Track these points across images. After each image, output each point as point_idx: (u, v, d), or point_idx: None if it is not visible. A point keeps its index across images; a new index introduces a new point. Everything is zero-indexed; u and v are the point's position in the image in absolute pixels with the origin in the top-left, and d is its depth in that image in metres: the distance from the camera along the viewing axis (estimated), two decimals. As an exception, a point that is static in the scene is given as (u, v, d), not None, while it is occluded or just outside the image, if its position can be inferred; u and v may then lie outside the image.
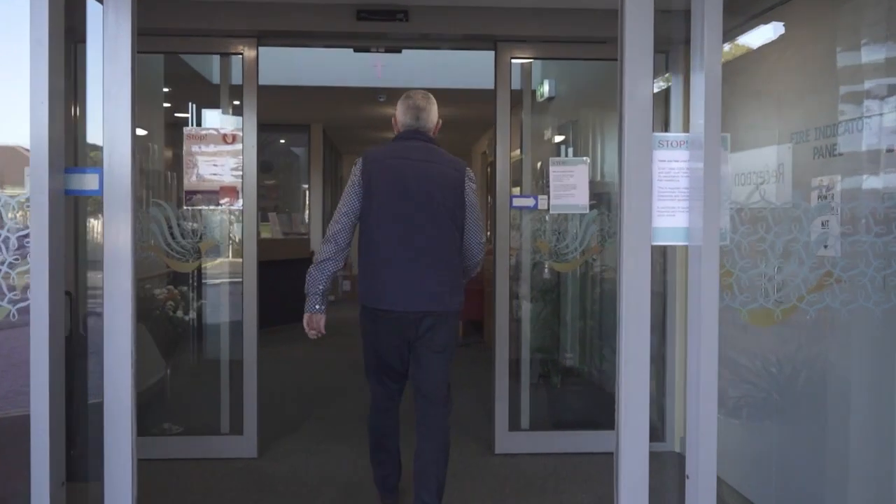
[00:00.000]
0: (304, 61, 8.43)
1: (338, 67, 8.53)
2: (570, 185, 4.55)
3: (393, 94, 9.22)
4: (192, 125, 5.05)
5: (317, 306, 3.30)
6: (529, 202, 4.61)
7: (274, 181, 13.55)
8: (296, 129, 12.11)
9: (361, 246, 3.31)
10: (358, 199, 3.28)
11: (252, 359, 4.46)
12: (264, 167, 14.55)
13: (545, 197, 4.57)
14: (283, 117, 11.50)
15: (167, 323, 4.92)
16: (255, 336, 4.49)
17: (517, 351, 4.70)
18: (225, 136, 4.46)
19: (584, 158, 4.64)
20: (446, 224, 3.23)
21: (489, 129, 12.89)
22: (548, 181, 4.58)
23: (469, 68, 8.51)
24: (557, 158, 4.65)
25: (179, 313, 4.91)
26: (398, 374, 3.40)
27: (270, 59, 8.81)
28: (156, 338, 4.92)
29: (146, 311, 4.85)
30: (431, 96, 3.48)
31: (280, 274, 9.57)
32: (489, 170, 12.45)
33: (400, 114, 3.44)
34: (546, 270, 4.89)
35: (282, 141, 14.34)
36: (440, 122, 3.52)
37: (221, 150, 4.44)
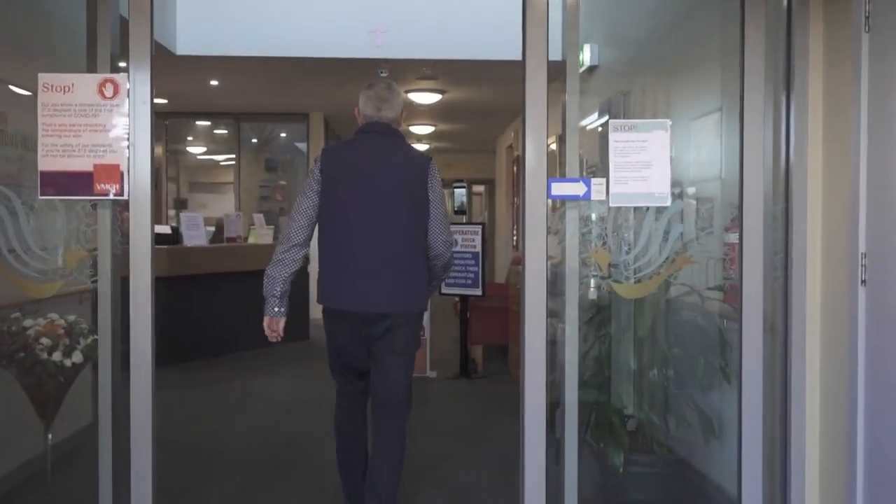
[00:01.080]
0: (286, 29, 6.88)
1: (330, 36, 6.95)
2: (641, 164, 2.91)
3: (398, 69, 7.58)
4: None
5: (275, 309, 3.24)
6: (577, 189, 2.96)
7: (284, 181, 12.08)
8: (293, 118, 10.56)
9: (319, 244, 3.19)
10: (316, 196, 3.15)
11: (143, 419, 2.87)
12: (269, 166, 13.09)
13: (601, 183, 2.93)
14: (276, 104, 9.96)
15: (43, 370, 3.33)
16: (147, 384, 2.89)
17: (556, 394, 3.06)
18: (101, 84, 2.86)
19: (665, 122, 2.97)
20: (407, 221, 3.12)
21: (515, 118, 11.37)
22: (604, 163, 2.97)
23: (490, 36, 6.90)
24: (622, 121, 2.98)
25: (58, 355, 3.31)
26: (359, 373, 3.29)
27: (248, 28, 7.36)
28: (30, 392, 3.36)
29: (10, 355, 3.28)
30: (395, 86, 3.32)
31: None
32: (517, 167, 10.82)
33: (361, 105, 3.27)
34: (598, 289, 3.25)
35: (283, 134, 12.82)
36: (404, 112, 3.34)
37: (94, 106, 2.84)
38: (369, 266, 3.06)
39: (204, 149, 13.32)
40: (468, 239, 6.81)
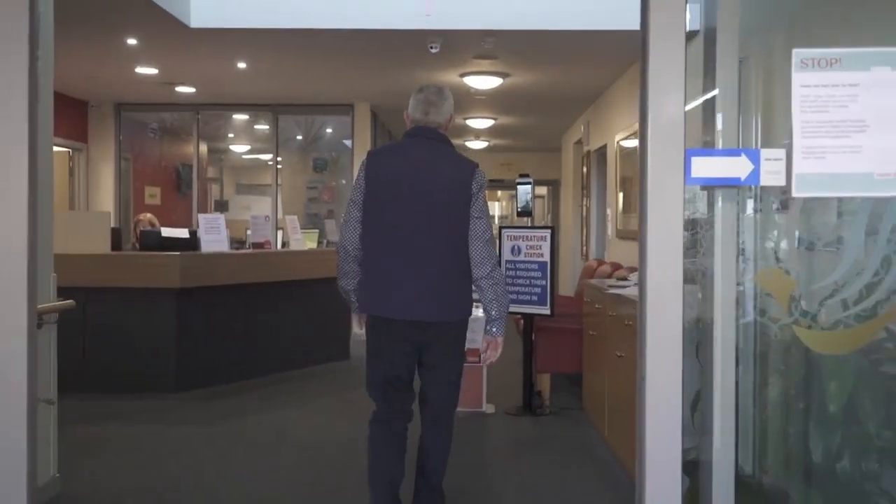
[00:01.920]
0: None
1: (368, 4, 5.83)
2: (849, 125, 1.69)
3: (452, 44, 6.42)
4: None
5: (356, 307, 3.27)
6: (737, 167, 1.74)
7: (333, 182, 11.08)
8: (337, 110, 9.50)
9: (362, 249, 3.16)
10: (362, 203, 3.14)
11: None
12: (316, 165, 12.09)
13: (776, 157, 1.71)
14: (317, 93, 8.89)
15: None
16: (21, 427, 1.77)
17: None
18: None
19: (893, 51, 1.74)
20: (447, 229, 3.08)
21: (586, 107, 10.17)
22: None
23: (559, 5, 5.72)
24: (816, 52, 1.73)
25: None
26: (404, 383, 3.20)
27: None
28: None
29: None
30: (446, 90, 3.28)
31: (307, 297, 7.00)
32: (586, 165, 9.55)
33: (410, 108, 3.24)
34: (765, 334, 2.03)
35: (329, 130, 11.81)
36: (453, 118, 3.30)
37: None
38: (406, 273, 3.03)
39: (248, 147, 12.45)
40: (534, 246, 5.61)
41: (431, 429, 3.23)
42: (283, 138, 12.95)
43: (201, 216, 6.47)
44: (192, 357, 6.25)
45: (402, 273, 3.03)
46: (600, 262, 7.57)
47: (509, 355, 7.25)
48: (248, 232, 7.08)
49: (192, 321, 6.26)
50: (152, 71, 7.62)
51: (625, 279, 5.50)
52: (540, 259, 5.60)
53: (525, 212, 5.75)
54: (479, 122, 10.62)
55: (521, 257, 5.68)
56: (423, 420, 3.25)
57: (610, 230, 8.04)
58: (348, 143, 9.87)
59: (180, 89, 8.40)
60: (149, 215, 7.47)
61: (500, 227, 5.79)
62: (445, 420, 3.25)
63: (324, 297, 7.51)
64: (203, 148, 11.90)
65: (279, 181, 9.67)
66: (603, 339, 4.92)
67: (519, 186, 5.72)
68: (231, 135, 11.98)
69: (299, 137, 12.63)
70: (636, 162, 1.99)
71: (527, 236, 5.68)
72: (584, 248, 9.54)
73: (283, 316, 7.18)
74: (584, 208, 9.64)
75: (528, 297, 5.66)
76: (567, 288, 10.91)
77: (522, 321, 5.82)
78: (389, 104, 9.47)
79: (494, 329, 3.17)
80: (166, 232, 6.44)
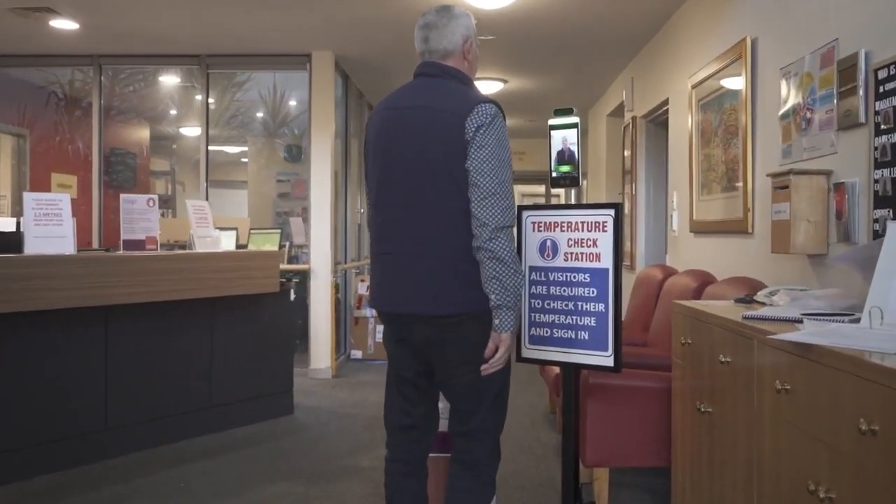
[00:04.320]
0: None
1: None
2: None
3: None
4: None
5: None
6: None
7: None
8: (288, 61, 6.96)
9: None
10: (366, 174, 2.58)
11: None
12: (291, 154, 9.63)
13: None
14: (258, 37, 6.37)
15: None
16: None
17: None
18: None
19: None
20: (447, 190, 2.32)
21: (627, 60, 7.42)
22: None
23: None
24: None
25: None
26: (412, 386, 2.57)
27: None
28: None
29: None
30: (456, 8, 2.45)
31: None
32: (631, 138, 6.98)
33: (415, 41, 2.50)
34: None
35: (292, 104, 9.31)
36: (471, 43, 2.46)
37: None
38: (399, 254, 2.41)
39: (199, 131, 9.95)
40: (582, 240, 3.08)
41: (453, 472, 2.55)
42: (245, 119, 10.53)
43: (28, 195, 3.94)
44: (5, 428, 3.76)
45: (392, 256, 2.43)
46: (667, 270, 5.00)
47: (534, 433, 4.97)
48: (121, 228, 4.52)
49: (5, 367, 3.77)
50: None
51: (750, 300, 2.98)
52: (594, 265, 3.05)
53: (564, 178, 3.14)
54: (484, 86, 8.05)
55: (558, 261, 3.14)
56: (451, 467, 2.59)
57: (676, 223, 5.47)
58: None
59: (59, 24, 5.88)
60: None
61: (520, 210, 3.24)
62: (472, 463, 2.52)
63: (249, 321, 5.05)
64: (144, 133, 9.47)
65: (208, 167, 7.11)
66: (722, 411, 2.40)
67: (553, 132, 3.15)
68: (174, 111, 9.47)
69: (260, 114, 10.13)
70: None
71: (568, 223, 3.13)
72: (630, 251, 6.97)
73: (176, 355, 4.69)
74: (630, 198, 7.07)
75: (568, 335, 3.12)
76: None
77: (562, 376, 3.26)
78: (364, 53, 6.94)
79: (497, 322, 2.35)
80: (-32, 222, 3.95)
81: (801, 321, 2.33)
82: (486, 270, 2.32)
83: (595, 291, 3.08)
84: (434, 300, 2.36)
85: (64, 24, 5.87)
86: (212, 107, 8.66)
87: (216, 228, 4.95)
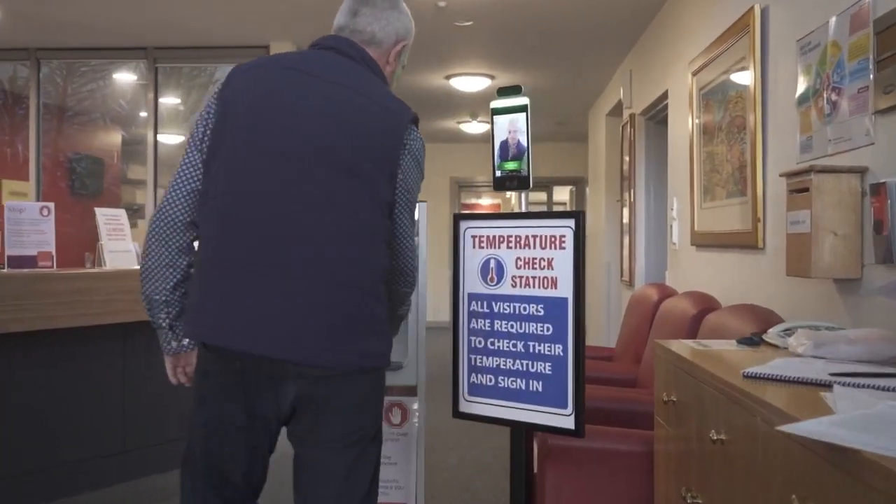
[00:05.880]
0: None
1: None
2: None
3: None
4: None
5: (171, 343, 1.91)
6: None
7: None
8: (245, 53, 6.26)
9: (200, 228, 1.82)
10: (202, 143, 1.82)
11: None
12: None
13: None
14: (214, 27, 5.69)
15: None
16: None
17: None
18: None
19: None
20: (361, 200, 1.75)
21: (627, 50, 6.24)
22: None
23: None
24: None
25: None
26: (236, 490, 1.81)
27: None
28: None
29: None
30: (403, 4, 2.00)
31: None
32: (629, 138, 6.23)
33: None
34: None
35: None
36: (402, 46, 1.98)
37: None
38: (274, 274, 1.68)
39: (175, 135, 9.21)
40: (534, 260, 2.34)
41: None
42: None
43: None
44: None
45: (259, 273, 1.68)
46: (664, 291, 4.22)
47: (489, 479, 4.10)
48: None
49: None
50: None
51: (758, 340, 2.22)
52: (549, 293, 2.31)
53: (509, 178, 2.34)
54: (470, 83, 7.30)
55: (504, 287, 2.41)
56: None
57: (677, 235, 4.69)
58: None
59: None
60: None
61: (457, 219, 2.49)
62: None
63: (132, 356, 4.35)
64: (114, 137, 8.80)
65: (157, 170, 6.41)
66: (714, 484, 1.63)
67: (496, 118, 2.35)
68: (144, 113, 8.79)
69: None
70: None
71: (517, 237, 2.38)
72: (628, 267, 6.19)
73: (78, 393, 3.99)
74: (627, 205, 6.30)
75: (517, 384, 2.39)
76: (598, 336, 7.55)
77: (510, 438, 2.49)
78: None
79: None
80: None
81: (829, 386, 1.56)
82: (394, 311, 1.96)
83: (550, 328, 2.34)
84: (330, 344, 1.70)
85: (-20, 9, 5.20)
86: (180, 107, 7.99)
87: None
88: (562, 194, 13.72)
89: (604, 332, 7.25)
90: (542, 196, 13.30)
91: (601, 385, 3.55)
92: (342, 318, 1.71)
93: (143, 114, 8.75)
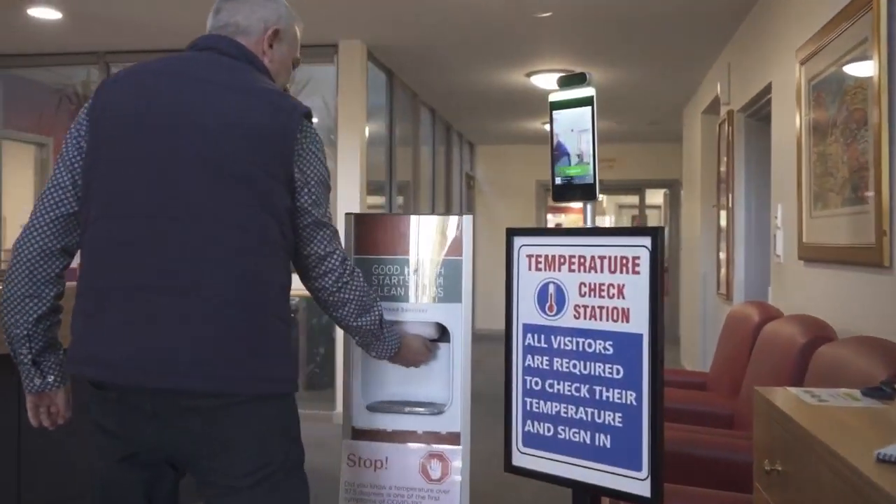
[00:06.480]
0: None
1: None
2: None
3: None
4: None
5: (35, 380, 1.74)
6: None
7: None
8: (313, 52, 6.00)
9: (79, 250, 1.76)
10: (74, 162, 1.72)
11: None
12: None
13: None
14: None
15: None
16: None
17: None
18: None
19: None
20: (250, 212, 1.64)
21: (725, 41, 4.59)
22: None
23: None
24: None
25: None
26: None
27: None
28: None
29: None
30: None
31: None
32: (727, 138, 5.68)
33: None
34: None
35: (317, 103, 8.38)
36: (275, 32, 1.86)
37: None
38: (152, 295, 1.59)
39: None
40: (601, 286, 1.92)
41: None
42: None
43: None
44: None
45: (138, 299, 1.60)
46: (767, 311, 3.68)
47: None
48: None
49: None
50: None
51: (891, 391, 1.73)
52: (619, 328, 1.89)
53: (571, 187, 1.89)
54: (552, 81, 6.83)
55: (565, 319, 2.00)
56: None
57: (782, 246, 4.13)
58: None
59: (40, 13, 5.10)
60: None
61: (510, 234, 2.09)
62: None
63: None
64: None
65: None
66: None
67: (555, 113, 1.92)
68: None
69: (316, 120, 9.25)
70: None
71: (581, 258, 1.96)
72: (726, 279, 5.61)
73: None
74: (725, 211, 5.73)
75: (580, 436, 1.97)
76: (692, 358, 6.93)
77: (572, 500, 2.07)
78: (404, 41, 5.91)
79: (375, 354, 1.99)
80: None
81: None
82: (345, 313, 1.84)
83: (621, 370, 1.92)
84: (213, 370, 1.59)
85: (45, 13, 5.09)
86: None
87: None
88: (655, 197, 13.06)
89: (698, 352, 6.67)
90: (634, 199, 12.71)
91: (691, 423, 3.07)
92: (229, 341, 1.59)
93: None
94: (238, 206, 1.62)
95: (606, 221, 17.31)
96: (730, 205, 5.50)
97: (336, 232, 1.81)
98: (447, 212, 9.38)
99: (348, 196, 5.80)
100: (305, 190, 1.72)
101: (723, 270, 5.77)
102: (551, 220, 12.96)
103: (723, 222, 5.82)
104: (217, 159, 1.62)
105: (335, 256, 1.79)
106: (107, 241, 1.65)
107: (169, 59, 1.80)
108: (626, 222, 16.35)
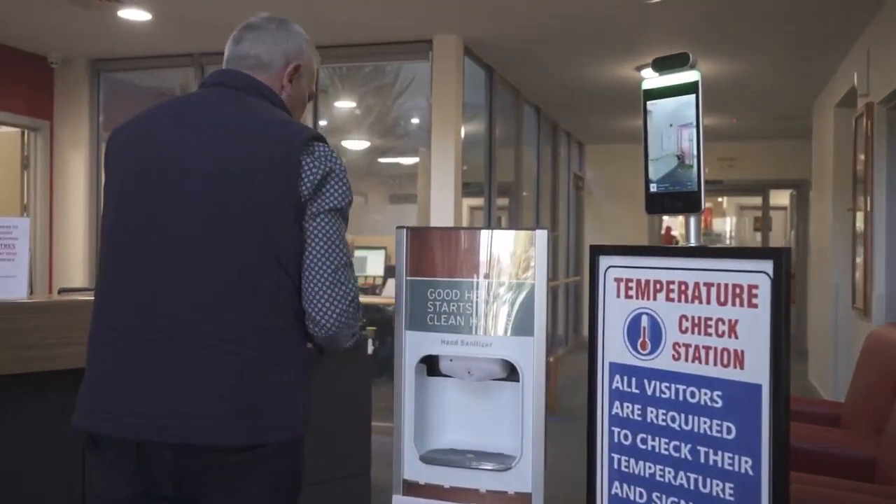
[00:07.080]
0: None
1: None
2: None
3: None
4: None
5: None
6: None
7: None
8: (406, 49, 5.73)
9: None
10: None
11: None
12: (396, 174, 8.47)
13: None
14: (372, 21, 5.24)
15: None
16: None
17: None
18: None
19: None
20: (248, 255, 1.59)
21: (864, 24, 4.51)
22: None
23: None
24: None
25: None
26: None
27: None
28: None
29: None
30: (287, 21, 1.84)
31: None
32: (865, 133, 5.06)
33: None
34: None
35: (409, 104, 8.08)
36: (295, 67, 1.79)
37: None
38: (150, 344, 1.56)
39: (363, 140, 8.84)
40: (707, 320, 1.51)
41: None
42: (408, 126, 9.52)
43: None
44: None
45: (136, 344, 1.58)
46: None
47: None
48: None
49: None
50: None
51: None
52: (731, 375, 1.48)
53: (669, 195, 1.51)
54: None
55: (662, 360, 1.60)
56: None
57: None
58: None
59: (129, 15, 5.05)
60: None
61: (594, 253, 1.71)
62: None
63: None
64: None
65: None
66: None
67: (650, 104, 1.56)
68: (323, 122, 8.54)
69: (416, 121, 8.98)
70: None
71: (683, 285, 1.56)
72: (863, 292, 4.98)
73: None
74: (862, 214, 5.10)
75: (680, 486, 1.57)
76: (823, 384, 6.24)
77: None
78: (500, 33, 5.56)
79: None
80: None
81: None
82: (341, 346, 1.73)
83: (733, 429, 1.52)
84: (226, 420, 1.54)
85: (134, 14, 5.03)
86: (356, 111, 7.68)
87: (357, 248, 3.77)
88: (780, 198, 12.18)
89: (829, 376, 6.01)
90: (757, 200, 11.89)
91: (820, 470, 2.59)
92: (223, 390, 1.53)
93: (323, 122, 8.56)
94: (234, 251, 1.57)
95: (726, 224, 16.39)
96: (868, 208, 4.89)
97: (350, 264, 1.69)
98: (553, 214, 8.96)
99: (442, 198, 5.51)
100: (319, 227, 1.64)
101: (859, 281, 5.13)
102: (667, 223, 12.30)
103: (859, 227, 5.19)
104: (220, 203, 1.59)
105: (342, 316, 1.67)
106: (108, 287, 1.66)
107: (175, 99, 1.84)
108: (747, 225, 15.41)
